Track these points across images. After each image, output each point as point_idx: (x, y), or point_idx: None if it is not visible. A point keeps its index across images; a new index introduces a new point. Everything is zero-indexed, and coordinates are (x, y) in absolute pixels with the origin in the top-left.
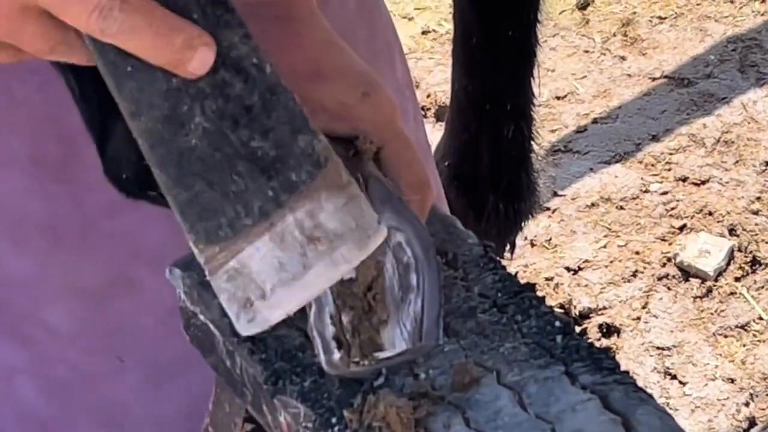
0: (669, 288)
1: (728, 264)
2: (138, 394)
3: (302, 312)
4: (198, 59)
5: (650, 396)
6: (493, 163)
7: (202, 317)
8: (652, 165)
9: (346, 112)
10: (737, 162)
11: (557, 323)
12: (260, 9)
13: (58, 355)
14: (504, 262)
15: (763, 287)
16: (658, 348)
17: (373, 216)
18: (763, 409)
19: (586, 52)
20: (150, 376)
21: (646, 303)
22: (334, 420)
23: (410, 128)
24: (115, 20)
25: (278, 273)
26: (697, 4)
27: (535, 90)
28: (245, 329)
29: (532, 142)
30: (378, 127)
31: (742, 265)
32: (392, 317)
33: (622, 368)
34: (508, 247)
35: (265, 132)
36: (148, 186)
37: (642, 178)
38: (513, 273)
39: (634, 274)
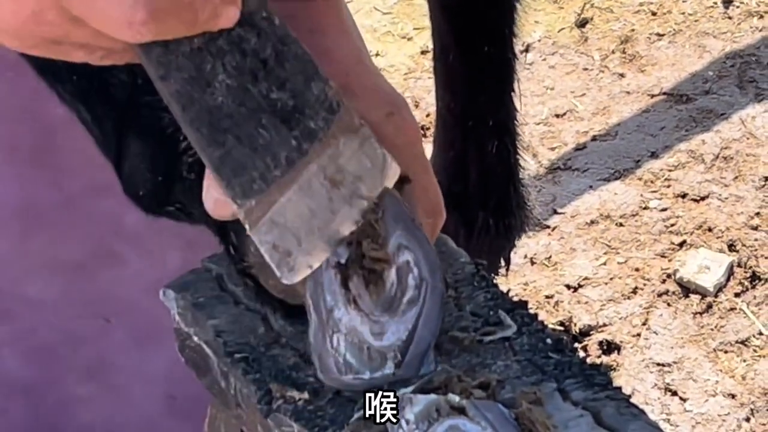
0: (669, 304)
1: (728, 280)
2: (125, 351)
3: (296, 330)
4: (224, 20)
5: (642, 411)
6: (481, 180)
7: (196, 338)
8: (652, 182)
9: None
10: (736, 178)
11: (549, 340)
12: (292, 22)
13: (41, 323)
14: (503, 280)
15: (763, 302)
16: (658, 364)
17: (385, 154)
18: (764, 425)
19: (585, 69)
20: (134, 336)
21: (647, 319)
22: None
23: None
24: (149, 32)
25: (309, 221)
26: (696, 21)
27: (534, 108)
28: (287, 278)
29: (519, 158)
30: (399, 148)
31: (742, 281)
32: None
33: (620, 384)
34: (503, 264)
35: (281, 83)
36: (166, 202)
37: (641, 195)
38: (508, 291)
39: (634, 291)
